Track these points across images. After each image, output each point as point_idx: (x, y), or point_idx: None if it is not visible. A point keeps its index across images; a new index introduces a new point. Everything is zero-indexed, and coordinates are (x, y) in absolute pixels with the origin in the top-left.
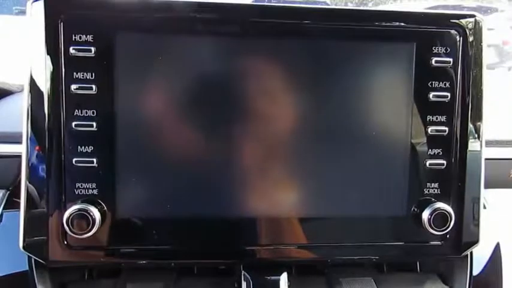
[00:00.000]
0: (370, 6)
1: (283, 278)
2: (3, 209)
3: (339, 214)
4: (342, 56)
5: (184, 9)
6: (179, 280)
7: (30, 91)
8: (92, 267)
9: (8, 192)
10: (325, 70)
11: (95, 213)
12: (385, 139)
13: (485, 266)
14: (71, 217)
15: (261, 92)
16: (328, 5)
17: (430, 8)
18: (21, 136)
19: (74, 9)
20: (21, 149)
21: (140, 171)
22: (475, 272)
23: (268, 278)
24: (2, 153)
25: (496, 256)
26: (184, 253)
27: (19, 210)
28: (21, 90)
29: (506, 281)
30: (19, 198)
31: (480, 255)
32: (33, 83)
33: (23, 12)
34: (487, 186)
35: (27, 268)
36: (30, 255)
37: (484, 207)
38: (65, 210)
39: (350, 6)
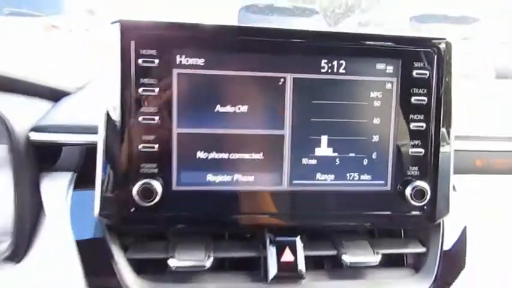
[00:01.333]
0: (357, 14)
1: (298, 239)
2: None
3: (341, 190)
4: (342, 69)
5: (225, 31)
6: (216, 243)
7: (106, 93)
8: (144, 233)
9: (76, 175)
10: (325, 80)
11: (157, 186)
12: (377, 133)
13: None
14: (139, 189)
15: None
16: (317, 12)
17: (415, 17)
18: (84, 128)
19: (142, 30)
20: (83, 138)
21: (192, 154)
22: (446, 241)
23: (287, 238)
24: (68, 142)
25: (462, 229)
26: (225, 221)
27: (86, 190)
28: (76, 91)
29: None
30: (85, 179)
31: (449, 229)
32: (108, 87)
33: (13, 14)
34: (456, 172)
35: (98, 236)
36: (104, 220)
37: (454, 189)
38: (133, 184)
39: (343, 26)
